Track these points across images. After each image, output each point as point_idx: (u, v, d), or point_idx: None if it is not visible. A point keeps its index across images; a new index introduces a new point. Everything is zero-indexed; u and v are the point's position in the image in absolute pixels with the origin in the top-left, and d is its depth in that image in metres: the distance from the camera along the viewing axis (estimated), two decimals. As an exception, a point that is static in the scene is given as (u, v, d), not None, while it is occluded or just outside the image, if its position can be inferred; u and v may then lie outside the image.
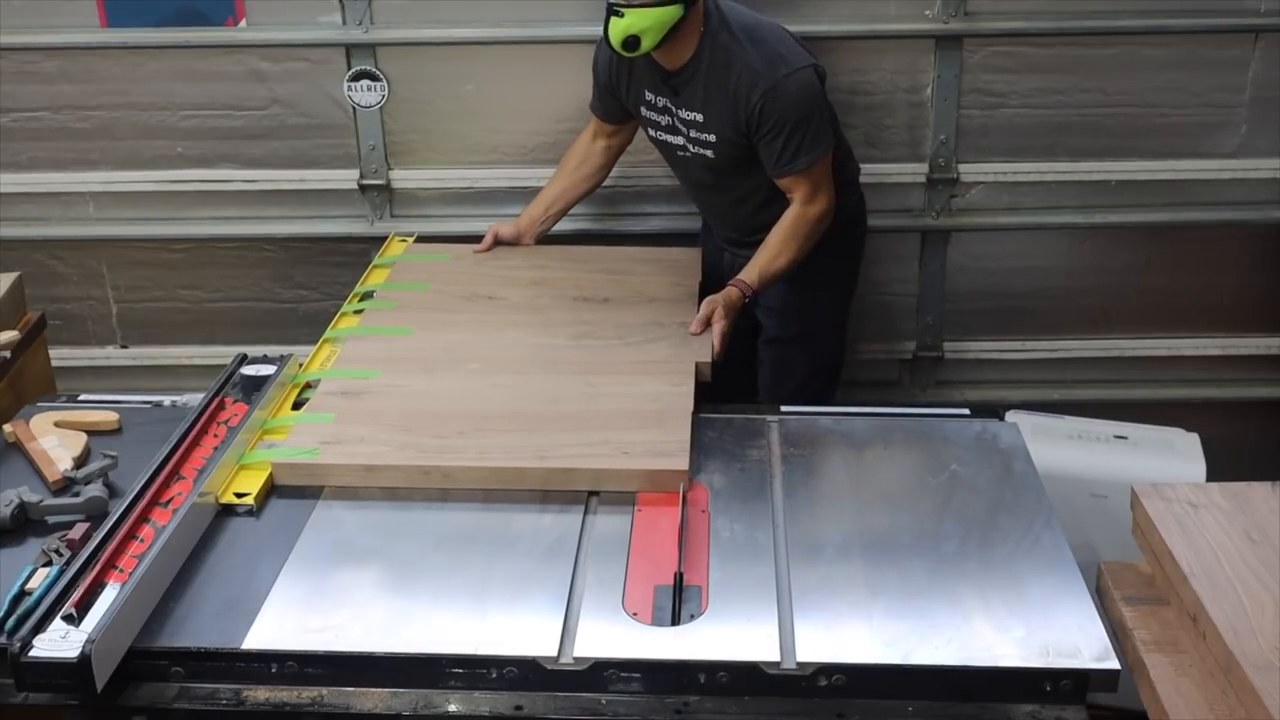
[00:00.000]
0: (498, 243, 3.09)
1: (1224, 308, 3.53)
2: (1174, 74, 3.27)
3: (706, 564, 2.01)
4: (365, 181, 3.40)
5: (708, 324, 2.67)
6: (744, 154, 2.79)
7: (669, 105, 2.83)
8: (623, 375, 2.50)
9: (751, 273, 2.80)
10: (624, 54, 2.67)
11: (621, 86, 2.91)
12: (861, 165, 3.35)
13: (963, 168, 3.37)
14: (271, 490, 2.24)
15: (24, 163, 3.41)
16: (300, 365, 2.60)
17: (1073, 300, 3.53)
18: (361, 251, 3.50)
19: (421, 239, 3.46)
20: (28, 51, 3.30)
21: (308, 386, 2.51)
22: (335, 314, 2.83)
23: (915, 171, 3.37)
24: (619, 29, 2.62)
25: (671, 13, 2.62)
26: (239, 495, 2.19)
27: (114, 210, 3.47)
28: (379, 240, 3.45)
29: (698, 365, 2.53)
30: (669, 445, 2.25)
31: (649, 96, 2.86)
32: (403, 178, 3.41)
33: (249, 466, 2.26)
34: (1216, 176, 3.36)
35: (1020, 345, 3.58)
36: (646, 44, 2.64)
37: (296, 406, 2.45)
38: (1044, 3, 3.22)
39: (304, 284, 3.56)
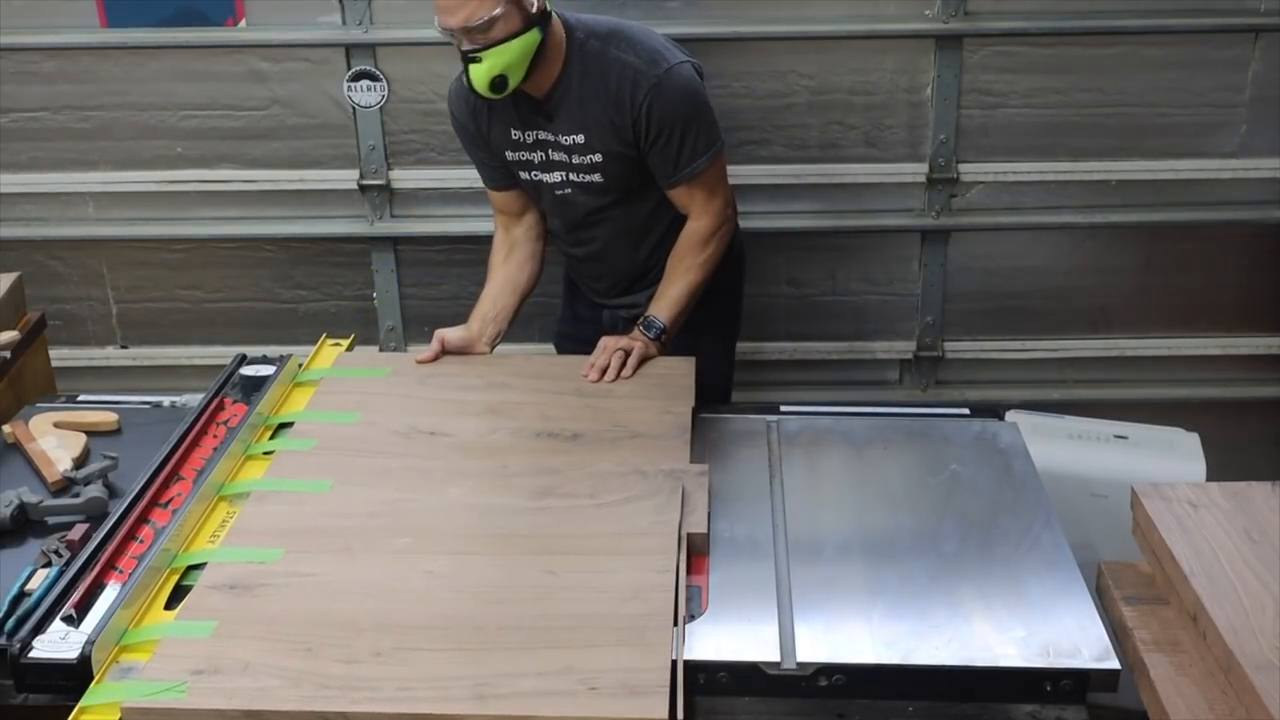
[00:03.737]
0: (446, 351, 2.61)
1: (1224, 308, 3.53)
2: (1174, 74, 3.28)
3: (707, 564, 2.01)
4: (365, 181, 3.40)
5: (604, 373, 2.46)
6: (635, 169, 2.57)
7: (543, 136, 2.56)
8: (593, 556, 1.96)
9: (660, 307, 2.57)
10: (493, 96, 2.43)
11: (488, 132, 2.62)
12: (861, 165, 3.36)
13: (963, 168, 3.37)
14: None
15: (24, 163, 3.42)
16: (300, 365, 2.59)
17: (1073, 300, 3.53)
18: (361, 251, 3.50)
19: (421, 239, 3.46)
20: (28, 51, 3.30)
21: (192, 569, 1.96)
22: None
23: (915, 171, 3.37)
24: (481, 75, 2.38)
25: (530, 40, 2.39)
26: None
27: (114, 210, 3.47)
28: (379, 240, 3.46)
29: (691, 538, 2.01)
30: (648, 677, 1.70)
31: (515, 135, 2.59)
32: (403, 178, 3.41)
33: (91, 710, 1.69)
34: (1216, 176, 3.37)
35: (1020, 345, 3.58)
36: (515, 80, 2.42)
37: (172, 602, 1.90)
38: (1044, 3, 3.22)
39: (304, 284, 3.56)
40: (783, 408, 2.51)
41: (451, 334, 2.62)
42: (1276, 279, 3.48)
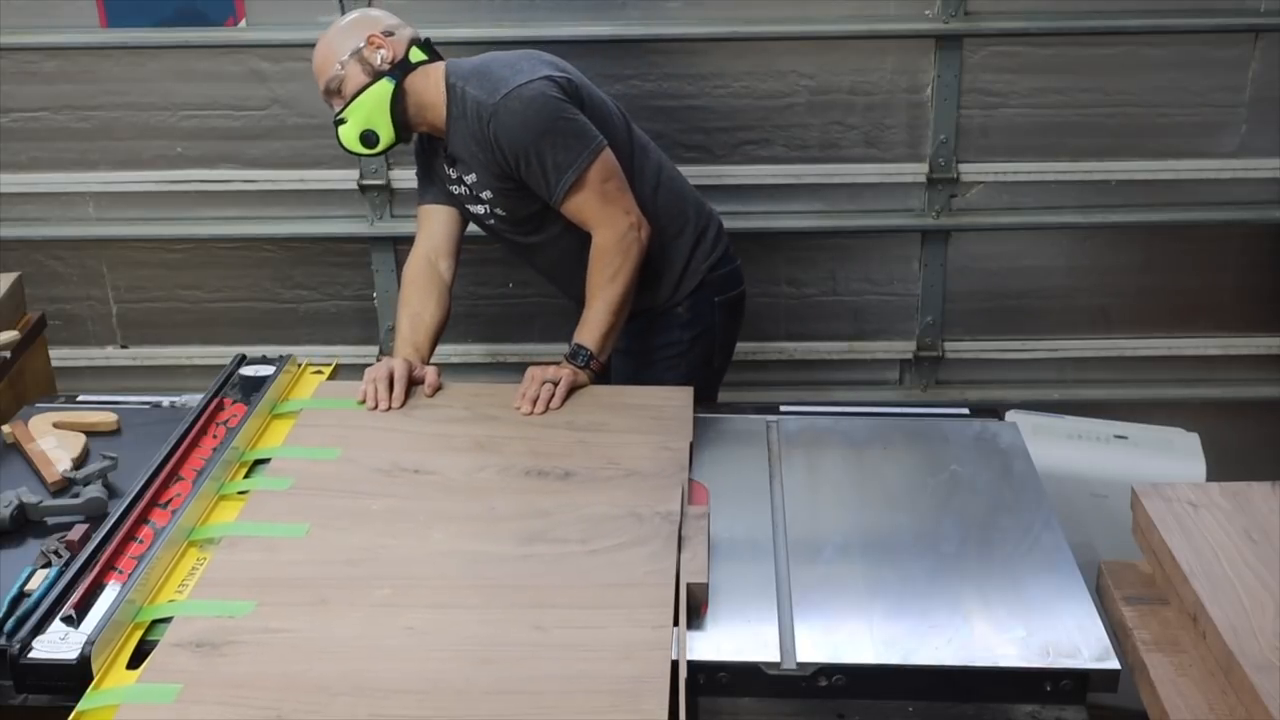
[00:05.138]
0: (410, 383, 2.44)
1: (1224, 308, 3.52)
2: (1174, 74, 3.27)
3: (707, 564, 2.00)
4: (365, 181, 3.40)
5: (535, 404, 2.37)
6: (528, 199, 2.57)
7: (459, 174, 2.63)
8: (584, 609, 1.83)
9: (584, 333, 2.51)
10: (368, 152, 2.58)
11: (431, 162, 2.70)
12: (861, 165, 3.36)
13: (963, 168, 3.37)
14: None
15: (24, 163, 3.42)
16: (299, 366, 2.58)
17: (1073, 300, 3.53)
18: (361, 251, 3.50)
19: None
20: (28, 51, 3.30)
21: (157, 623, 1.84)
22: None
23: (915, 171, 3.37)
24: (348, 134, 2.56)
25: (380, 91, 2.52)
26: None
27: (114, 210, 3.47)
28: (379, 240, 3.45)
29: (690, 589, 1.88)
30: None
31: (444, 169, 2.66)
32: (403, 178, 3.40)
33: None
34: (1216, 176, 3.36)
35: (1020, 345, 3.57)
36: (385, 134, 2.55)
37: (136, 660, 1.77)
38: (1044, 3, 3.22)
39: (304, 284, 3.56)
40: (783, 408, 2.51)
41: (400, 368, 2.43)
42: (1276, 279, 3.48)
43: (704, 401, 2.51)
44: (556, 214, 2.58)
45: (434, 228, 2.72)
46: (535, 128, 2.47)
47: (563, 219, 2.58)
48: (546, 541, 1.99)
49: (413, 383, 2.43)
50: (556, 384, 2.40)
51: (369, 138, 2.55)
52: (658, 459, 2.21)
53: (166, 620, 1.83)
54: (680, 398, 2.41)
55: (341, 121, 2.55)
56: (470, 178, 2.60)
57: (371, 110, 2.53)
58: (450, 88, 2.55)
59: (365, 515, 2.06)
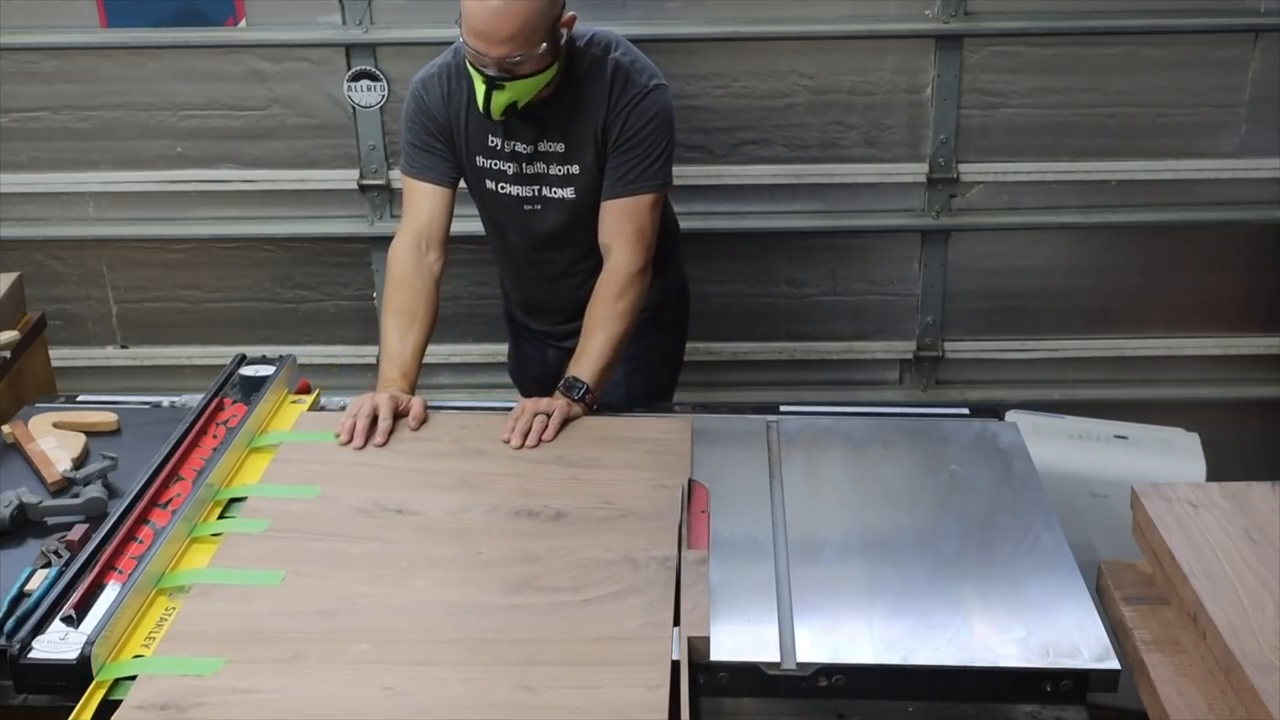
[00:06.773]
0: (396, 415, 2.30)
1: (1224, 308, 3.53)
2: (1174, 74, 3.28)
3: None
4: (365, 181, 3.40)
5: (525, 438, 2.24)
6: (600, 185, 2.52)
7: (520, 148, 2.51)
8: (575, 666, 1.71)
9: (581, 365, 2.39)
10: (498, 118, 2.42)
11: (462, 131, 2.54)
12: (861, 165, 3.36)
13: (963, 168, 3.37)
14: None
15: (24, 163, 3.42)
16: (297, 369, 2.58)
17: (1073, 300, 3.53)
18: (361, 251, 3.50)
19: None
20: (28, 51, 3.30)
21: (121, 681, 1.72)
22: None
23: (915, 171, 3.37)
24: (501, 103, 2.36)
25: (550, 74, 2.39)
26: None
27: (114, 210, 3.47)
28: (379, 240, 3.45)
29: (691, 643, 1.77)
30: None
31: (493, 142, 2.53)
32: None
33: None
34: (1216, 176, 3.37)
35: (1020, 345, 3.58)
36: (522, 104, 2.40)
37: None
38: (1044, 3, 3.22)
39: (304, 284, 3.56)
40: (783, 408, 2.50)
41: (381, 402, 2.30)
42: (1276, 279, 3.48)
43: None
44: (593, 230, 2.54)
45: (426, 209, 2.56)
46: (665, 128, 2.51)
47: (588, 236, 2.55)
48: (536, 590, 1.87)
49: (397, 416, 2.30)
50: (549, 415, 2.29)
51: (510, 108, 2.39)
52: (654, 498, 2.08)
53: (131, 678, 1.72)
54: (678, 430, 2.30)
55: (499, 88, 2.35)
56: (556, 147, 2.50)
57: (532, 90, 2.38)
58: (580, 51, 2.46)
59: (344, 560, 1.94)
